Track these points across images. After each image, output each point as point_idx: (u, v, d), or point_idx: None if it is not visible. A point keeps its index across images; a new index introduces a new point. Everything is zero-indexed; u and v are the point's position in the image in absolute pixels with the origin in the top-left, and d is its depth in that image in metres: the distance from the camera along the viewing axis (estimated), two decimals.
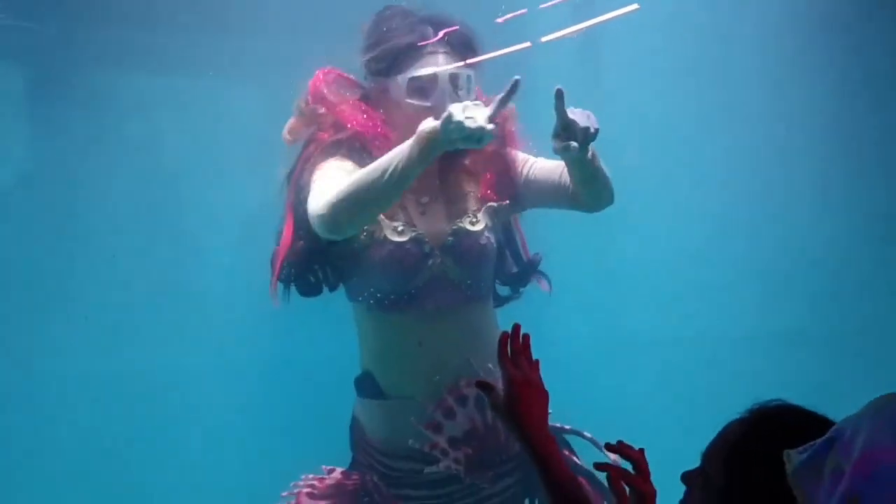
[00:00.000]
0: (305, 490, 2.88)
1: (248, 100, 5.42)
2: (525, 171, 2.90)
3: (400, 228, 2.76)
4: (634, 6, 2.27)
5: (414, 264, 2.77)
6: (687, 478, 1.57)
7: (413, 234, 2.76)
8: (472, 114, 2.39)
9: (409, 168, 2.48)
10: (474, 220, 2.82)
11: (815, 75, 5.55)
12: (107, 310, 4.99)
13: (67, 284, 4.94)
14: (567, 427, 2.94)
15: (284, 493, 2.90)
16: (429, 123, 2.48)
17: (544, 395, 1.82)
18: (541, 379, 1.85)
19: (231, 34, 5.01)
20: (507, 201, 2.91)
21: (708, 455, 1.53)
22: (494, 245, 2.91)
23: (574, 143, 2.40)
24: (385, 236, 2.75)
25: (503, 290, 3.10)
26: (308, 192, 2.72)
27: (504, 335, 1.89)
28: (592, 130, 2.44)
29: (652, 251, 5.48)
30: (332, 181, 2.65)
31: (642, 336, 5.47)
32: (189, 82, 5.33)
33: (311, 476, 2.93)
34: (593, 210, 2.82)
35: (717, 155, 5.58)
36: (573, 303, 4.89)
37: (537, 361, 1.89)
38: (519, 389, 1.78)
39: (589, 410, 3.00)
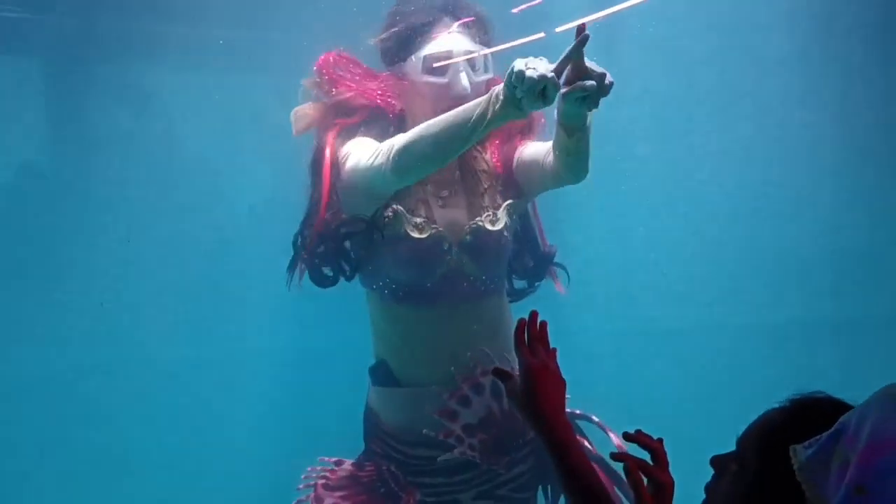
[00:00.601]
0: (320, 482, 2.88)
1: (264, 92, 5.43)
2: (517, 158, 2.88)
3: (420, 224, 2.75)
4: None
5: (431, 260, 2.77)
6: (718, 462, 1.55)
7: (432, 231, 2.75)
8: (535, 65, 2.25)
9: (473, 127, 2.39)
10: (494, 218, 2.80)
11: (841, 65, 5.52)
12: (121, 300, 5.04)
13: (83, 275, 4.98)
14: (577, 412, 2.93)
15: (300, 486, 2.90)
16: (497, 87, 2.38)
17: (561, 383, 1.81)
18: (558, 366, 1.84)
19: (246, 28, 5.04)
20: (526, 199, 2.92)
21: (744, 441, 1.52)
22: (511, 241, 2.90)
23: (591, 83, 2.25)
24: (406, 232, 2.75)
25: (519, 284, 3.10)
26: (343, 167, 2.73)
27: (521, 322, 1.87)
28: (608, 82, 2.30)
29: (667, 241, 5.48)
30: (370, 146, 2.66)
31: (658, 325, 5.46)
32: (205, 75, 5.35)
33: (320, 468, 2.93)
34: (573, 183, 2.72)
35: (734, 145, 5.57)
36: (588, 294, 4.89)
37: (554, 349, 1.87)
38: (536, 376, 1.76)
39: (605, 400, 3.01)
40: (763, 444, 1.44)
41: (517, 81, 2.25)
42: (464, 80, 2.66)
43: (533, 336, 1.85)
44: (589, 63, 2.29)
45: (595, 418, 2.91)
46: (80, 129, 5.17)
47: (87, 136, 5.11)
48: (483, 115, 2.37)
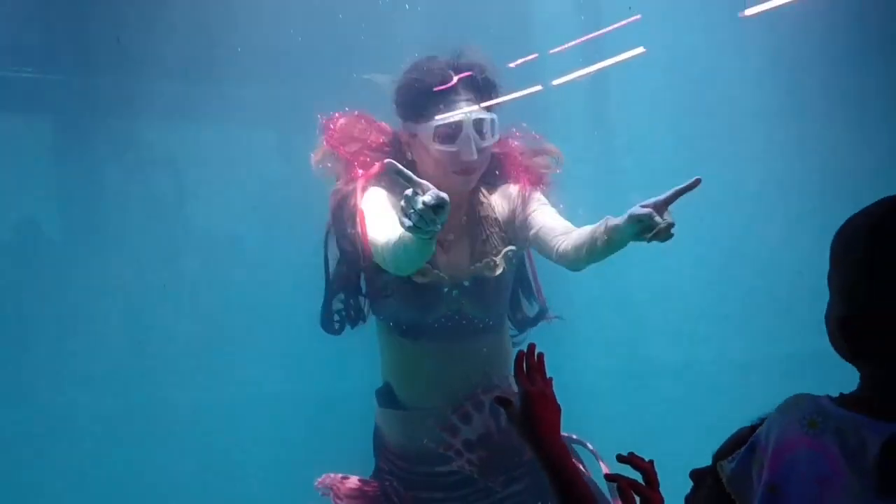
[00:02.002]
0: (333, 488, 3.03)
1: (264, 144, 5.59)
2: (526, 212, 2.94)
3: (423, 269, 2.82)
4: (640, 49, 2.38)
5: (432, 302, 2.89)
6: (696, 475, 1.64)
7: (434, 276, 2.85)
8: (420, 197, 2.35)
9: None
10: (493, 263, 2.90)
11: (814, 109, 5.72)
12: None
13: (98, 326, 5.11)
14: (574, 436, 3.03)
15: (318, 487, 3.02)
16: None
17: (557, 409, 1.89)
18: (554, 393, 1.93)
19: (249, 83, 5.21)
20: (524, 248, 3.01)
21: (719, 456, 1.59)
22: (511, 281, 3.02)
23: (660, 220, 2.42)
24: (409, 276, 2.84)
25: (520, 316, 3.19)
26: (358, 229, 2.82)
27: (520, 353, 1.97)
28: (670, 231, 2.46)
29: (666, 280, 5.60)
30: (383, 228, 2.72)
31: (657, 361, 5.57)
32: (209, 129, 5.50)
33: (329, 480, 3.06)
34: (571, 270, 2.83)
35: (725, 187, 5.72)
36: (589, 330, 5.00)
37: (551, 378, 1.97)
38: (534, 401, 1.86)
39: (604, 434, 3.10)
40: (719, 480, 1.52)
41: (408, 207, 2.34)
42: (472, 148, 2.77)
43: (531, 366, 1.95)
44: (670, 208, 2.48)
45: (590, 445, 3.01)
46: (85, 184, 5.30)
47: (96, 190, 5.24)
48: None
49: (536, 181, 2.98)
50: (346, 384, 4.21)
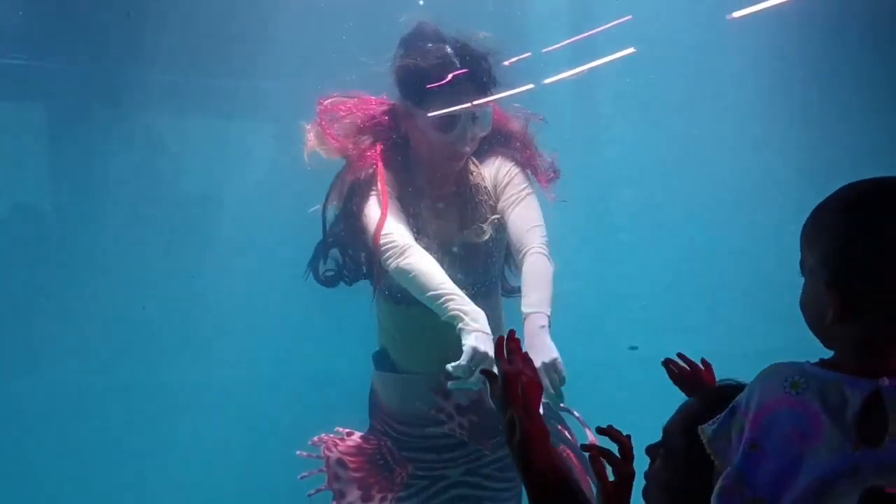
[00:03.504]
0: (331, 443, 3.12)
1: (264, 136, 5.65)
2: (507, 196, 3.01)
3: (412, 236, 2.90)
4: (630, 49, 2.47)
5: None
6: (651, 450, 1.79)
7: (423, 243, 2.90)
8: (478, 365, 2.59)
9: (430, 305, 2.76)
10: (480, 230, 2.98)
11: (794, 108, 5.84)
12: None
13: (91, 309, 5.18)
14: (562, 405, 3.04)
15: (312, 441, 3.11)
16: (469, 321, 2.69)
17: (537, 387, 1.97)
18: (534, 371, 2.01)
19: (247, 76, 5.27)
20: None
21: (669, 429, 1.75)
22: (501, 250, 3.08)
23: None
24: None
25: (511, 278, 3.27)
26: (373, 212, 2.89)
27: (500, 339, 2.05)
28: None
29: (646, 274, 5.72)
30: (395, 222, 2.86)
31: (636, 352, 5.68)
32: (207, 121, 5.57)
33: (333, 435, 3.16)
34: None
35: (704, 185, 5.84)
36: (571, 320, 5.10)
37: (530, 359, 2.03)
38: (513, 380, 1.95)
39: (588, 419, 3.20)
40: (686, 429, 1.65)
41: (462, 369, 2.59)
42: (466, 139, 2.85)
43: (510, 349, 2.04)
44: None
45: (576, 413, 3.09)
46: (81, 171, 5.35)
47: (91, 177, 5.30)
48: (441, 312, 2.74)
49: (525, 152, 3.04)
50: (342, 357, 4.28)
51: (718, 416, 1.50)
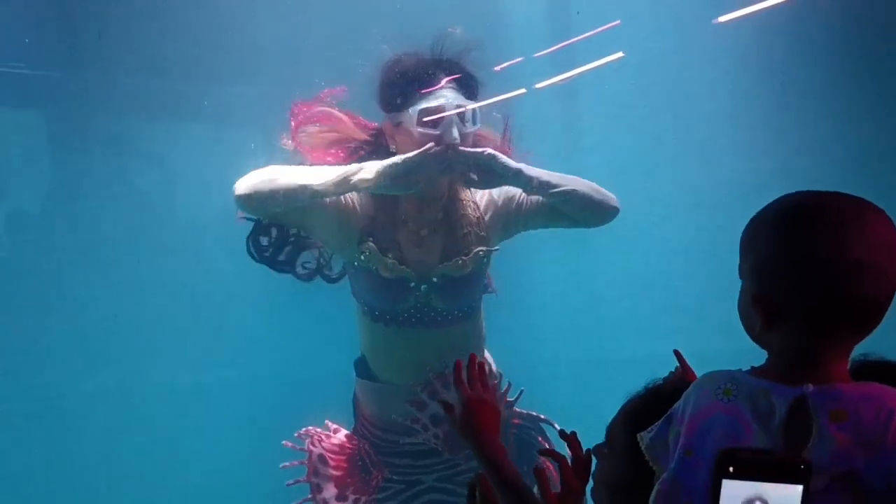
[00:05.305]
0: (316, 439, 3.22)
1: (250, 142, 5.69)
2: (523, 200, 3.09)
3: (390, 265, 2.96)
4: (619, 54, 2.55)
5: (398, 296, 3.03)
6: (596, 450, 1.84)
7: (400, 272, 2.97)
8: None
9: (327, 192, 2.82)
10: (460, 262, 3.01)
11: (781, 115, 5.96)
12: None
13: (85, 314, 5.24)
14: (542, 416, 3.25)
15: (298, 434, 3.22)
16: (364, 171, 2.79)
17: (496, 413, 2.07)
18: (494, 398, 2.11)
19: (234, 83, 5.34)
20: (498, 248, 3.13)
21: (612, 428, 1.80)
22: (482, 278, 3.15)
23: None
24: (376, 269, 2.99)
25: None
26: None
27: (457, 363, 2.14)
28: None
29: (633, 275, 5.81)
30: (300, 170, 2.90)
31: (620, 355, 5.77)
32: (197, 127, 5.63)
33: (318, 429, 3.27)
34: (592, 225, 3.04)
35: (690, 186, 5.94)
36: (558, 322, 5.18)
37: (492, 385, 2.15)
38: (473, 406, 2.05)
39: (568, 423, 3.28)
40: (628, 429, 1.69)
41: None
42: (454, 132, 2.87)
43: (472, 375, 2.13)
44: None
45: (556, 425, 3.18)
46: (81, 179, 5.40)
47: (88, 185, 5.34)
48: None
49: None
50: (327, 359, 4.36)
51: (656, 424, 1.56)
